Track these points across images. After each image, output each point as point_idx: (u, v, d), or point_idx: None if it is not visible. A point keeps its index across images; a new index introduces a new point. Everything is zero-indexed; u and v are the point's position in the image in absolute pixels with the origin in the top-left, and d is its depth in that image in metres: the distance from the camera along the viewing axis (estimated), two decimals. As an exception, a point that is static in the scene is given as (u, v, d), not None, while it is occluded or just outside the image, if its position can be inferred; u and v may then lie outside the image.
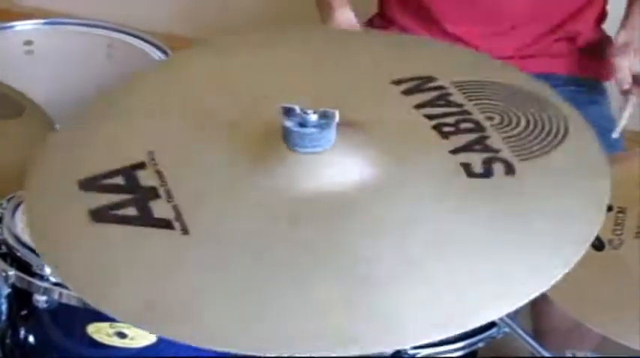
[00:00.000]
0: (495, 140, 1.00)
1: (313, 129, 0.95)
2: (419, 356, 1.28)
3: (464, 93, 1.06)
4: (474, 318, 0.86)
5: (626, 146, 1.59)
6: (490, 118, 1.03)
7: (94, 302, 0.90)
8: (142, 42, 1.68)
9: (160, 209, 0.95)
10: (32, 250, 1.10)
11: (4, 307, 1.12)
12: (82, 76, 1.71)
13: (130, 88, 1.17)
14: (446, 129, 1.02)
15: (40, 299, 1.09)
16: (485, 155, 0.98)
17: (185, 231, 0.92)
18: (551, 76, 1.59)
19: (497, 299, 0.87)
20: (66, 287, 1.07)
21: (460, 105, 1.05)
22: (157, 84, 1.16)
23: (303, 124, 0.96)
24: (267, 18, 2.52)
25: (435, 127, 1.02)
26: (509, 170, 0.97)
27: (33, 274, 1.09)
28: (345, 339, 0.84)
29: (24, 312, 1.13)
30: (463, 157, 0.98)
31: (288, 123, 0.95)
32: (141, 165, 1.00)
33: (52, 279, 1.08)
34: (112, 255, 0.93)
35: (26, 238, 1.11)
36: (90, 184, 0.98)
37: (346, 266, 0.89)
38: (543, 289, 0.88)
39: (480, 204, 0.95)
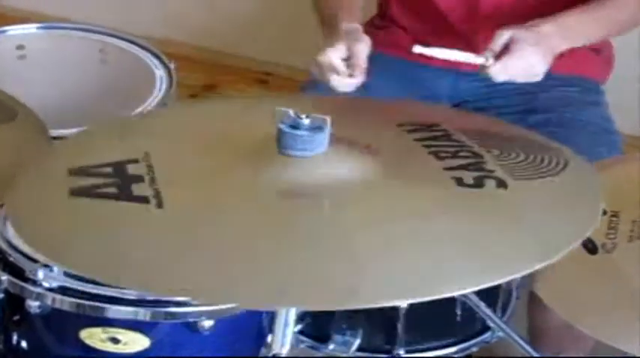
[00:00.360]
0: (491, 164, 1.03)
1: (304, 132, 0.98)
2: (412, 359, 1.29)
3: (466, 134, 1.10)
4: (448, 287, 0.87)
5: (625, 151, 1.59)
6: (490, 151, 1.05)
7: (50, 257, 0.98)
8: (134, 46, 1.68)
9: (140, 189, 1.00)
10: (25, 255, 1.09)
11: (-4, 312, 1.12)
12: (74, 81, 1.71)
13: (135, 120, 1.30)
14: (443, 154, 1.05)
15: (33, 305, 1.08)
16: (478, 173, 1.01)
17: (160, 205, 0.96)
18: (550, 76, 1.59)
19: (465, 276, 0.89)
20: (59, 293, 1.07)
21: (461, 142, 1.08)
22: (162, 117, 1.29)
23: (295, 127, 0.97)
24: (260, 23, 2.52)
25: (432, 153, 1.05)
26: (501, 184, 0.99)
27: (26, 279, 1.09)
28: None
29: (16, 318, 1.12)
30: (456, 173, 1.01)
31: (281, 125, 0.97)
32: (133, 161, 1.04)
33: (45, 285, 1.08)
34: (78, 220, 0.98)
35: (18, 243, 1.10)
36: (79, 171, 1.04)
37: (325, 239, 0.92)
38: (506, 278, 0.91)
39: (465, 204, 0.98)
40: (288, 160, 1.00)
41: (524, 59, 1.31)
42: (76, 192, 1.00)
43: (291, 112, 0.97)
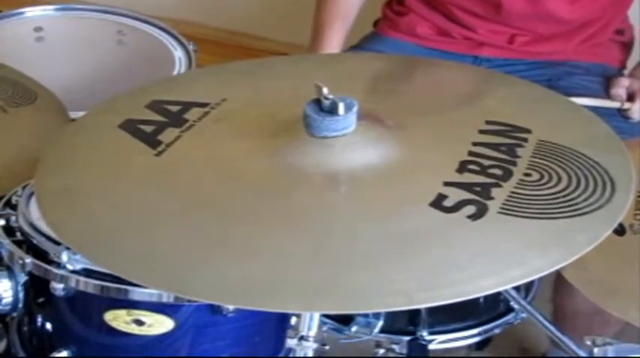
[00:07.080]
0: (503, 191, 0.93)
1: (327, 114, 0.96)
2: (435, 341, 1.29)
3: (537, 148, 1.00)
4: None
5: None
6: (528, 174, 0.96)
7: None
8: (152, 27, 1.68)
9: (167, 134, 1.01)
10: (49, 237, 1.09)
11: (21, 295, 1.12)
12: (92, 62, 1.71)
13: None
14: (471, 166, 0.96)
15: (57, 287, 1.08)
16: (471, 196, 0.92)
17: (160, 153, 0.99)
18: (573, 64, 1.58)
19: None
20: (83, 275, 1.07)
21: (514, 157, 0.98)
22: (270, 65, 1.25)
23: (322, 108, 0.96)
24: (278, 3, 2.51)
25: (463, 161, 0.96)
26: (476, 216, 0.90)
27: (50, 262, 1.09)
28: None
29: (41, 300, 1.12)
30: (448, 191, 0.93)
31: (308, 105, 0.96)
32: (202, 104, 1.06)
33: (69, 267, 1.08)
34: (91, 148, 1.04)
35: (42, 225, 1.10)
36: (154, 106, 1.07)
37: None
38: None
39: (415, 224, 0.90)
40: (312, 140, 0.97)
41: None
42: (123, 126, 1.03)
43: (326, 90, 0.95)
